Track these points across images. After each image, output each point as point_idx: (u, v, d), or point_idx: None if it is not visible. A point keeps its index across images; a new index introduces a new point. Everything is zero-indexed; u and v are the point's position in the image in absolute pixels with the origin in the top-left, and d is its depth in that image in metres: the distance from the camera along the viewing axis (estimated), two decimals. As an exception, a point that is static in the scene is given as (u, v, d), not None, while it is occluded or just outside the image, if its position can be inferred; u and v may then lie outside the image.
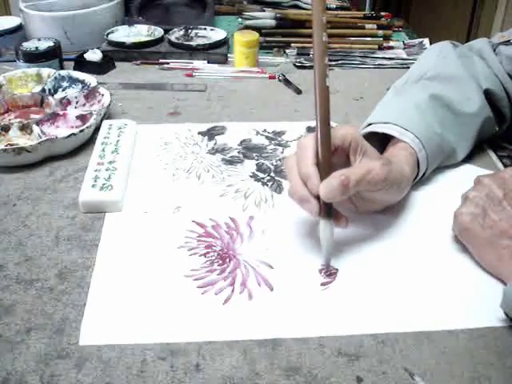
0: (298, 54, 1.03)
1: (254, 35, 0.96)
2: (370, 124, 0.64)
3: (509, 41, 0.71)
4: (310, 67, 0.98)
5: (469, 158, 0.69)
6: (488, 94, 0.69)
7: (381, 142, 0.63)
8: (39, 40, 0.95)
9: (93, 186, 0.62)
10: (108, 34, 1.04)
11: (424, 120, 0.63)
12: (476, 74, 0.69)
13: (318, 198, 0.50)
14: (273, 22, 1.09)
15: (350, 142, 0.53)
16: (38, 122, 0.73)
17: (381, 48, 1.07)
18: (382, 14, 1.16)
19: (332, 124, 0.53)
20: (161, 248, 0.55)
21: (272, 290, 0.51)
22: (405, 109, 0.64)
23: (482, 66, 0.70)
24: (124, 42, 1.02)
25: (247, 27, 1.07)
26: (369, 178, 0.51)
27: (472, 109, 0.67)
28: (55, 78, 0.85)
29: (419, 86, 0.68)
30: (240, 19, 1.15)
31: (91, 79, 0.84)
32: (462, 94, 0.67)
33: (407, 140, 0.61)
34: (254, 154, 0.72)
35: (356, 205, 0.57)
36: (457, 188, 0.57)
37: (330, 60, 0.53)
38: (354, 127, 0.55)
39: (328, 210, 0.52)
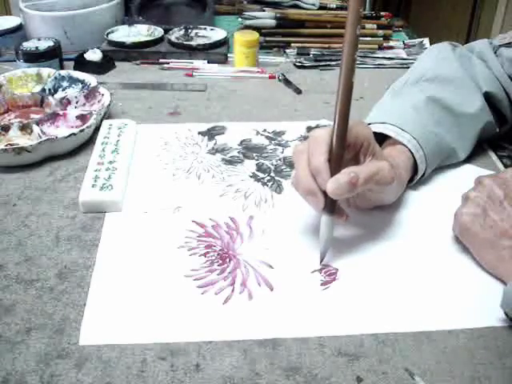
0: (297, 53, 1.03)
1: (254, 35, 0.96)
2: (368, 124, 0.64)
3: (510, 43, 0.70)
4: (310, 67, 0.98)
5: (469, 158, 0.69)
6: (488, 96, 0.69)
7: (378, 141, 0.63)
8: (39, 40, 0.95)
9: (93, 185, 0.62)
10: (108, 34, 1.04)
11: (421, 120, 0.63)
12: (475, 75, 0.69)
13: (324, 192, 0.50)
14: (273, 22, 1.09)
15: (363, 142, 0.53)
16: (38, 122, 0.73)
17: (381, 48, 1.07)
18: (382, 13, 1.16)
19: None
20: (161, 248, 0.55)
21: (272, 289, 0.51)
22: (402, 110, 0.65)
23: (482, 67, 0.70)
24: (124, 42, 1.02)
25: (247, 27, 1.06)
26: (377, 178, 0.51)
27: (471, 109, 0.67)
28: (55, 77, 0.85)
29: (417, 88, 0.68)
30: (240, 19, 1.15)
31: (91, 79, 0.84)
32: (461, 95, 0.67)
33: (403, 141, 0.61)
34: (254, 154, 0.72)
35: (348, 200, 0.57)
36: (457, 188, 0.57)
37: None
38: (367, 127, 0.54)
39: (331, 206, 0.52)
